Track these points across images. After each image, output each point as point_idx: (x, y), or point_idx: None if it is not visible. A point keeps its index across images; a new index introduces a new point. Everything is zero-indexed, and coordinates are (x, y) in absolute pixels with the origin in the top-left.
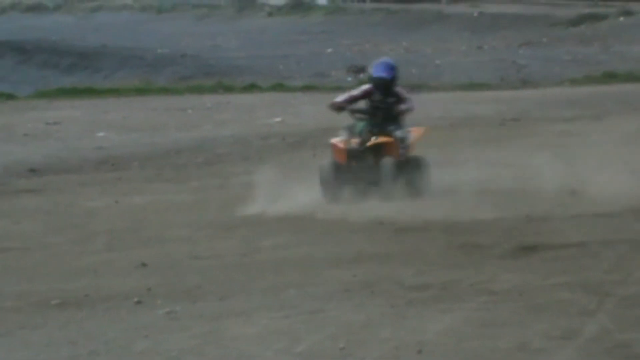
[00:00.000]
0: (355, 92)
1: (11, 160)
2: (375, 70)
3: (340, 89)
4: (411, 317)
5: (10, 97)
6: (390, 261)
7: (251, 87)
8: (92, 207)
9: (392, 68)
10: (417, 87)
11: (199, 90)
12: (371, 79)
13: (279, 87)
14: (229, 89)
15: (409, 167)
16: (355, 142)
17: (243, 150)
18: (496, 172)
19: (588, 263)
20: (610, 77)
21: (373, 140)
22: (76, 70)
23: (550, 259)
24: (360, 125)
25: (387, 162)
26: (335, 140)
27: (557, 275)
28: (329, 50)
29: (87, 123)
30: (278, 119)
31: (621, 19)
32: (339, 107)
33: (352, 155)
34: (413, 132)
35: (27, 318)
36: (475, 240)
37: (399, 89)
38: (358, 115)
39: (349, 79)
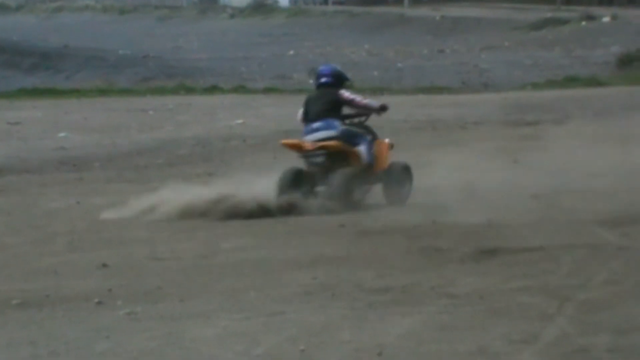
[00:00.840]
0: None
1: None
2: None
3: (302, 91)
4: (371, 320)
5: None
6: (350, 264)
7: (213, 89)
8: (53, 207)
9: None
10: (378, 90)
11: (160, 91)
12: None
13: (240, 89)
14: (190, 91)
15: None
16: None
17: (204, 152)
18: (457, 176)
19: (548, 267)
20: (571, 81)
21: None
22: (38, 70)
23: (510, 263)
24: None
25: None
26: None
27: (517, 279)
28: (291, 52)
29: (48, 123)
30: (239, 121)
31: (583, 23)
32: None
33: None
34: None
35: None
36: (435, 244)
37: None
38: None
39: (311, 81)
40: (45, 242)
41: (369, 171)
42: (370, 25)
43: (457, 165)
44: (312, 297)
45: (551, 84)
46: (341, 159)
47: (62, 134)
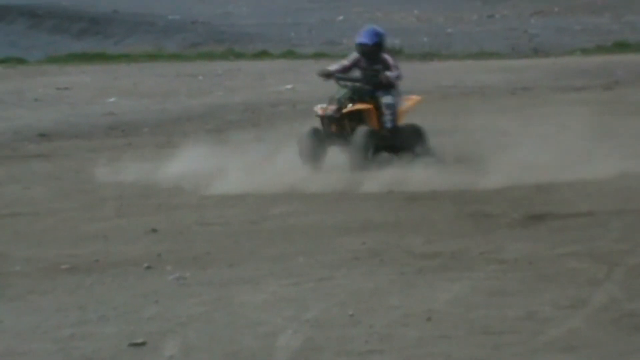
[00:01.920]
0: (346, 61)
1: (21, 125)
2: (358, 37)
3: None
4: (420, 285)
5: (20, 61)
6: (399, 230)
7: (262, 54)
8: (102, 172)
9: (375, 34)
10: (428, 56)
11: (209, 57)
12: (355, 46)
13: (289, 55)
14: (239, 56)
15: (404, 135)
16: (331, 109)
17: (253, 118)
18: (506, 141)
19: (597, 232)
20: (621, 46)
21: (349, 107)
22: (87, 35)
23: (559, 229)
24: (342, 92)
25: (360, 130)
26: (317, 107)
27: (566, 245)
28: (340, 18)
29: (97, 88)
30: (289, 87)
31: None
32: (327, 75)
33: (329, 122)
34: (406, 100)
35: (37, 283)
36: (484, 209)
37: (386, 56)
38: (343, 83)
39: None
40: (94, 208)
41: None
42: None
43: (507, 131)
44: (361, 262)
45: (600, 49)
46: None
47: (111, 99)
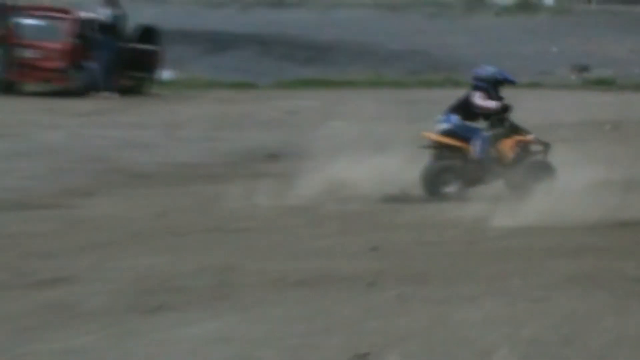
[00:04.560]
0: None
1: (252, 145)
2: None
3: (564, 87)
4: (634, 309)
5: (252, 86)
6: (611, 254)
7: None
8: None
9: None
10: None
11: (428, 84)
12: None
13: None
14: (456, 84)
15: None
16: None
17: None
18: None
19: None
20: None
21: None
22: (312, 63)
23: None
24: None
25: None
26: None
27: None
28: (554, 49)
29: (322, 112)
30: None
31: None
32: None
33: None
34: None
35: (267, 294)
36: None
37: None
38: None
39: (573, 77)
40: (318, 225)
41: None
42: (633, 23)
43: None
44: (575, 285)
45: None
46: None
47: (335, 123)
